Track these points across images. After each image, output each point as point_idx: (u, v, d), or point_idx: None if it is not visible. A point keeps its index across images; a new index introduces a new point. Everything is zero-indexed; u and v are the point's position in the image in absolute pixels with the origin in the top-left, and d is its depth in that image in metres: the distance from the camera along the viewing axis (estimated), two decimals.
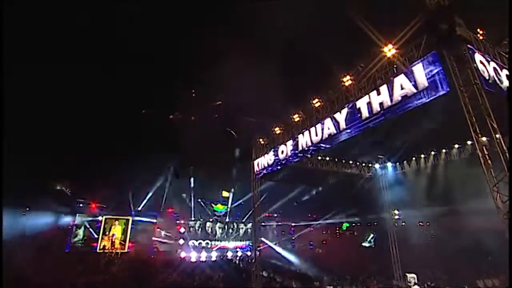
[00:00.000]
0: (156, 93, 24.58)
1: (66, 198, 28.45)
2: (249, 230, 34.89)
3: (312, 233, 37.53)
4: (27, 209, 25.71)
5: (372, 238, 35.38)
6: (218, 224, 33.42)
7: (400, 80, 9.95)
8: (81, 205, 28.22)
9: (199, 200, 33.18)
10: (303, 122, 15.02)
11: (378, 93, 10.71)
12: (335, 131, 12.54)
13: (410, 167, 20.44)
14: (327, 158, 20.37)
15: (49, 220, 26.74)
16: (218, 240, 32.61)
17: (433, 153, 18.88)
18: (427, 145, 19.29)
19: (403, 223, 38.40)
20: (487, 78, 8.76)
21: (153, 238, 29.80)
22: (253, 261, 17.14)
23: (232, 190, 33.78)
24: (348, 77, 12.37)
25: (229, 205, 33.98)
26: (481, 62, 8.87)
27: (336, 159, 20.73)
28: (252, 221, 18.42)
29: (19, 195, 23.92)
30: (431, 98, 8.93)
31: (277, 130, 16.92)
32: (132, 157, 29.61)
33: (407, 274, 17.86)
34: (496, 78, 9.20)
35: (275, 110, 18.09)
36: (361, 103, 11.36)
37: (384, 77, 10.70)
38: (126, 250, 27.94)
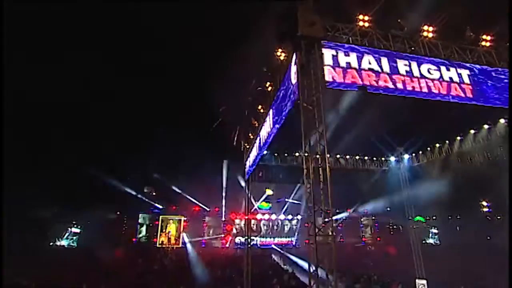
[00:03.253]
0: None
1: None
2: (294, 227, 34.99)
3: (363, 229, 34.57)
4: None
5: (435, 234, 30.13)
6: (263, 221, 34.69)
7: None
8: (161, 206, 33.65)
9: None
10: (260, 130, 14.98)
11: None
12: (257, 152, 13.10)
13: (426, 157, 17.10)
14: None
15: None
16: (263, 237, 33.96)
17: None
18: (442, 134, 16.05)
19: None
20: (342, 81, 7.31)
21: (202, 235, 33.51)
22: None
23: None
24: (268, 83, 11.91)
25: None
26: (336, 63, 7.36)
27: (337, 156, 19.24)
28: (245, 219, 19.55)
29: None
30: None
31: (250, 135, 17.15)
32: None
33: (417, 280, 15.45)
34: (365, 77, 7.50)
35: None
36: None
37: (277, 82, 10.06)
38: (180, 246, 32.48)
